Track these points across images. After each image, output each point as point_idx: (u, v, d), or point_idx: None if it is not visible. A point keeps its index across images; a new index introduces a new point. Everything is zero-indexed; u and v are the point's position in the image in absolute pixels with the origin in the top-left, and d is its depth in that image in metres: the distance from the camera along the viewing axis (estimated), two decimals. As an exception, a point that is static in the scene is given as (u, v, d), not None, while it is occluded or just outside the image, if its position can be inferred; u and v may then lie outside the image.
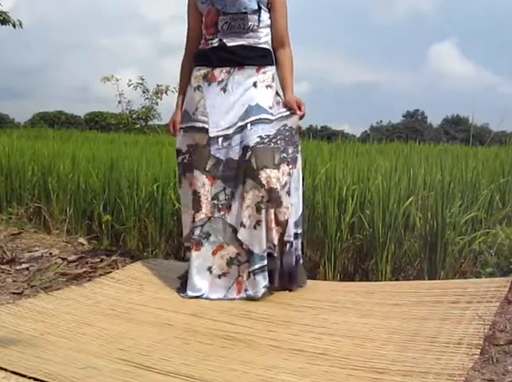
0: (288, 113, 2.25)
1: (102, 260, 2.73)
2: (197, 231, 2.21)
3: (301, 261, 2.32)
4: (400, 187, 2.73)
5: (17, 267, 2.61)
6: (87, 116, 31.31)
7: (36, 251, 2.90)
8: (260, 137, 2.15)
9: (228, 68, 2.23)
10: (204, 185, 2.21)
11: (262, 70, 2.26)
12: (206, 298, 2.16)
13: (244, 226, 2.14)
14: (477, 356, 1.51)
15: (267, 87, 2.26)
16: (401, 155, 4.33)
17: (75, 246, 3.07)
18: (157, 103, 11.72)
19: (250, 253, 2.15)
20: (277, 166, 2.14)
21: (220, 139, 2.20)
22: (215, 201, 2.21)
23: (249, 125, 2.17)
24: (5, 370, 1.45)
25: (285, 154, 2.18)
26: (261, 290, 2.12)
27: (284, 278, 2.23)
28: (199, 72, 2.28)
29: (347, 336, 1.72)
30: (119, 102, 11.52)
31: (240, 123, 2.18)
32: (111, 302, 2.11)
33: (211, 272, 2.20)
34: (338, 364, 1.52)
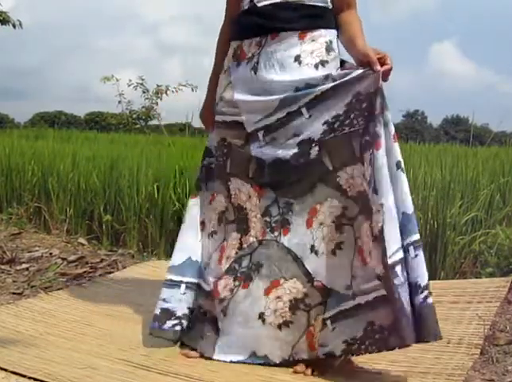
0: (359, 72, 1.47)
1: (102, 260, 2.73)
2: (246, 261, 1.56)
3: (426, 292, 1.36)
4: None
5: (17, 267, 2.61)
6: (87, 116, 31.32)
7: (36, 251, 2.90)
8: (326, 123, 1.48)
9: (258, 39, 1.56)
10: (251, 198, 1.58)
11: (310, 36, 1.54)
12: (262, 363, 1.50)
13: (316, 252, 1.49)
14: (477, 356, 1.51)
15: (320, 64, 1.53)
16: (401, 155, 4.32)
17: (75, 246, 3.07)
18: (157, 103, 11.71)
19: (325, 291, 1.48)
20: (359, 159, 1.46)
21: (261, 134, 1.55)
22: (267, 218, 1.55)
23: (304, 110, 1.50)
24: (5, 370, 1.45)
25: (367, 137, 1.45)
26: (341, 347, 1.42)
27: (400, 327, 1.33)
28: (231, 50, 1.65)
29: (347, 336, 1.71)
30: (119, 102, 11.50)
31: (287, 109, 1.51)
32: (111, 302, 2.10)
33: (263, 321, 1.51)
34: (338, 364, 1.51)
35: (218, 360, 1.54)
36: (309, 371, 1.46)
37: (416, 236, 1.40)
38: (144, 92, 11.67)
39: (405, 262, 1.36)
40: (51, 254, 2.83)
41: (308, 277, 1.48)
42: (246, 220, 1.58)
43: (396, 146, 1.46)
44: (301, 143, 1.50)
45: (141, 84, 11.57)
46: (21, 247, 3.01)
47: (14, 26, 12.46)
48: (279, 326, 1.49)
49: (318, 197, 1.50)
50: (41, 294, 2.20)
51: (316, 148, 1.49)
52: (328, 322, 1.45)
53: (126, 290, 2.28)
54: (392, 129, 1.45)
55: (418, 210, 2.66)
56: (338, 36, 1.60)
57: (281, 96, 1.51)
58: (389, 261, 1.34)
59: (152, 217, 3.14)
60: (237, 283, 1.55)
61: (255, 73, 1.55)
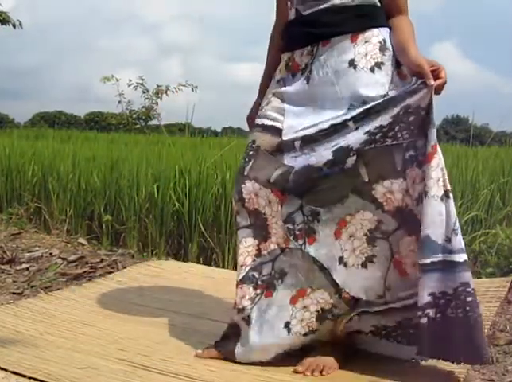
0: (412, 87, 1.40)
1: (102, 260, 2.73)
2: (267, 269, 1.50)
3: (476, 314, 1.33)
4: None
5: (17, 267, 2.61)
6: (87, 116, 31.33)
7: (36, 251, 2.90)
8: (368, 133, 1.41)
9: (309, 48, 1.50)
10: (271, 204, 1.50)
11: (362, 37, 1.47)
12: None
13: (345, 264, 1.43)
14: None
15: (375, 67, 1.45)
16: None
17: (75, 246, 3.07)
18: (156, 103, 11.72)
19: (353, 302, 1.44)
20: (401, 174, 1.40)
21: (298, 143, 1.47)
22: (290, 225, 1.48)
23: (351, 123, 1.43)
24: (5, 370, 1.44)
25: (412, 152, 1.41)
26: (370, 328, 1.48)
27: (440, 343, 1.35)
28: (282, 62, 1.59)
29: (347, 336, 1.71)
30: (119, 102, 11.51)
31: (332, 121, 1.44)
32: (111, 302, 2.10)
33: (289, 330, 1.47)
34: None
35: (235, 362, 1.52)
36: (309, 371, 1.45)
37: (461, 255, 1.43)
38: (144, 92, 11.68)
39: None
40: (51, 254, 2.83)
41: (336, 288, 1.43)
42: (265, 226, 1.50)
43: (438, 167, 1.38)
44: (338, 151, 1.42)
45: (141, 84, 11.58)
46: (21, 247, 3.01)
47: (14, 26, 12.47)
48: (305, 335, 1.46)
49: (349, 209, 1.43)
50: (41, 294, 2.20)
51: (354, 157, 1.41)
52: (355, 317, 1.46)
53: (126, 290, 2.28)
54: (435, 148, 1.39)
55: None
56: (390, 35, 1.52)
57: (332, 109, 1.45)
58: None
59: (152, 217, 3.15)
60: (258, 292, 1.50)
61: (307, 83, 1.50)
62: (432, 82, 1.38)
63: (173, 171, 3.31)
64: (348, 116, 1.43)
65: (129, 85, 11.46)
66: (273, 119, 1.53)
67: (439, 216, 1.35)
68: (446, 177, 1.37)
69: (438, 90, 1.42)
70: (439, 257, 1.36)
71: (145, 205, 3.20)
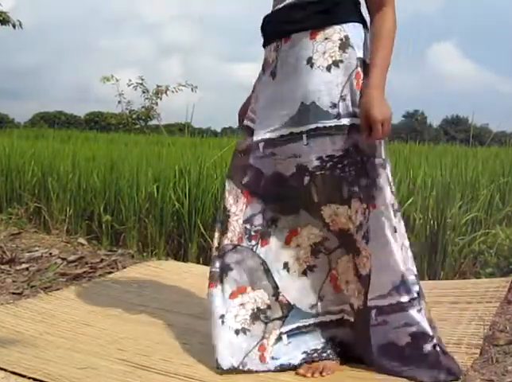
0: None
1: (102, 260, 2.73)
2: (217, 263, 1.54)
3: (429, 347, 1.39)
4: (400, 187, 2.73)
5: (17, 267, 2.61)
6: (87, 116, 31.34)
7: (36, 251, 2.90)
8: (320, 159, 1.45)
9: (275, 44, 1.52)
10: (238, 203, 1.55)
11: (322, 34, 1.44)
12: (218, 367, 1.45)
13: (288, 270, 1.52)
14: (476, 356, 1.51)
15: (333, 65, 1.43)
16: (401, 155, 4.33)
17: (75, 246, 3.07)
18: (156, 103, 11.72)
19: (287, 307, 1.51)
20: (346, 202, 1.47)
21: (261, 145, 1.52)
22: (248, 225, 1.54)
23: (304, 137, 1.45)
24: (5, 370, 1.44)
25: (355, 188, 1.45)
26: (300, 357, 1.49)
27: (363, 345, 1.47)
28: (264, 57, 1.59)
29: (347, 336, 1.71)
30: (119, 102, 11.51)
31: (292, 129, 1.47)
32: (111, 302, 2.10)
33: (223, 323, 1.49)
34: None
35: None
36: (310, 373, 1.45)
37: (412, 295, 1.41)
38: (144, 92, 11.68)
39: (400, 314, 1.40)
40: (51, 254, 2.83)
41: (275, 290, 1.51)
42: (226, 222, 1.55)
43: (387, 211, 1.43)
44: (299, 167, 1.48)
45: (141, 84, 11.58)
46: (21, 247, 3.01)
47: (14, 26, 12.47)
48: (236, 332, 1.49)
49: (301, 221, 1.53)
50: (41, 294, 2.20)
51: (308, 177, 1.48)
52: (284, 336, 1.51)
53: (126, 290, 2.28)
54: (386, 194, 1.43)
55: (418, 210, 2.67)
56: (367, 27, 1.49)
57: (291, 113, 1.48)
58: (372, 303, 1.43)
59: (152, 217, 3.14)
60: (207, 283, 1.56)
61: (273, 79, 1.52)
62: (370, 136, 1.40)
63: (173, 171, 3.31)
64: (304, 129, 1.46)
65: (129, 85, 11.46)
66: (251, 120, 1.57)
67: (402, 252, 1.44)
68: (393, 217, 1.43)
69: (375, 139, 1.42)
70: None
71: (145, 205, 3.19)
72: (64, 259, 2.73)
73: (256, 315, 1.50)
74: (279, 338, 1.50)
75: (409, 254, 1.46)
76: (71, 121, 29.86)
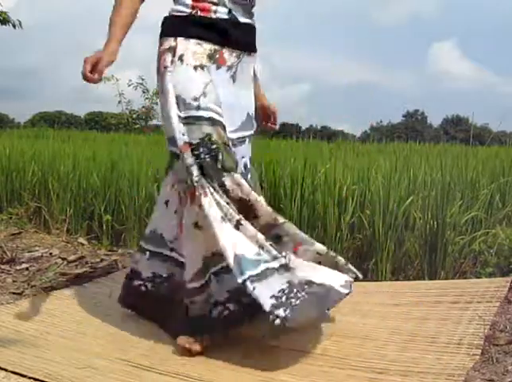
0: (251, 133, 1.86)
1: (102, 260, 2.73)
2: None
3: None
4: (400, 187, 2.73)
5: (17, 267, 2.61)
6: (87, 116, 31.37)
7: (36, 251, 2.90)
8: (250, 159, 1.87)
9: (238, 52, 1.74)
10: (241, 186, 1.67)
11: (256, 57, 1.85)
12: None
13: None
14: (478, 357, 1.51)
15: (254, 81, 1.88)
16: (401, 155, 4.33)
17: (75, 246, 3.07)
18: (156, 103, 11.71)
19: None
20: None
21: (230, 143, 1.70)
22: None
23: (247, 140, 1.84)
24: (5, 370, 1.45)
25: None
26: (270, 302, 1.52)
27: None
28: (200, 48, 1.66)
29: (347, 336, 1.72)
30: (119, 102, 11.52)
31: (243, 133, 1.80)
32: (111, 302, 2.10)
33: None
34: (338, 365, 1.52)
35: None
36: (197, 346, 1.57)
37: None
38: (144, 92, 11.69)
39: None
40: (51, 254, 2.83)
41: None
42: (253, 207, 1.67)
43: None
44: (245, 166, 1.81)
45: (141, 84, 11.59)
46: (21, 247, 3.01)
47: (14, 26, 12.44)
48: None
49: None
50: (41, 294, 2.20)
51: (249, 174, 1.83)
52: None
53: (126, 290, 2.28)
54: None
55: (418, 210, 2.67)
56: None
57: (242, 118, 1.78)
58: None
59: (152, 217, 3.14)
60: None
61: (233, 82, 1.74)
62: (271, 126, 2.02)
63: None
64: (247, 134, 1.81)
65: (129, 85, 11.47)
66: (217, 113, 1.64)
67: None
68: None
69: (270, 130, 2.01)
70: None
71: (145, 205, 3.19)
72: (64, 258, 2.73)
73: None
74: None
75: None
76: (72, 121, 29.87)
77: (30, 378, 1.41)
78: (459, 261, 2.52)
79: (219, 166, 1.61)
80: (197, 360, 1.55)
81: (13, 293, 2.25)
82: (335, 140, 7.57)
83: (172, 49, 1.65)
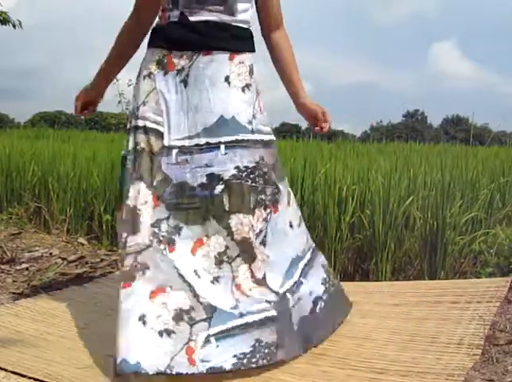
0: (268, 137, 1.66)
1: (102, 260, 2.73)
2: (130, 260, 1.47)
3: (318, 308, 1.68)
4: (400, 187, 2.73)
5: (17, 267, 2.62)
6: (87, 116, 31.30)
7: (36, 251, 2.90)
8: (238, 168, 1.56)
9: (190, 53, 1.59)
10: (147, 203, 1.53)
11: (238, 58, 1.62)
12: (136, 372, 1.34)
13: (199, 277, 1.51)
14: (478, 357, 1.51)
15: (245, 87, 1.63)
16: (401, 155, 4.34)
17: (75, 246, 3.07)
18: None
19: (210, 308, 1.47)
20: (251, 211, 1.57)
21: (174, 152, 1.56)
22: (156, 230, 1.52)
23: (222, 147, 1.56)
24: (5, 370, 1.45)
25: (263, 196, 1.60)
26: (231, 361, 1.42)
27: (283, 343, 1.52)
28: (151, 56, 1.63)
29: (347, 336, 1.72)
30: (119, 102, 11.49)
31: (208, 140, 1.56)
32: (111, 302, 2.10)
33: (144, 323, 1.40)
34: (337, 365, 1.52)
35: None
36: None
37: (296, 278, 1.65)
38: (144, 92, 11.66)
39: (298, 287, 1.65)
40: (51, 254, 2.84)
41: (194, 292, 1.48)
42: (137, 221, 1.50)
43: (290, 209, 1.72)
44: (211, 176, 1.55)
45: (141, 84, 11.56)
46: (21, 247, 3.01)
47: (14, 26, 12.43)
48: (160, 333, 1.40)
49: (207, 231, 1.54)
50: (41, 294, 2.20)
51: (222, 186, 1.54)
52: (213, 339, 1.44)
53: (126, 290, 2.28)
54: (286, 197, 1.70)
55: (418, 210, 2.67)
56: (272, 60, 1.76)
57: (207, 122, 1.57)
58: (281, 290, 1.59)
59: (152, 217, 3.14)
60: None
61: (185, 86, 1.59)
62: (326, 129, 1.73)
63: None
64: (222, 139, 1.57)
65: (129, 85, 11.35)
66: (154, 122, 1.58)
67: (301, 238, 1.76)
68: (297, 209, 1.80)
69: (326, 131, 1.73)
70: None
71: (145, 205, 3.19)
72: (64, 258, 2.73)
73: (179, 316, 1.44)
74: (207, 341, 1.43)
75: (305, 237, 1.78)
76: (71, 121, 29.84)
77: (30, 378, 1.41)
78: (459, 261, 2.52)
79: (133, 174, 1.56)
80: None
81: (13, 293, 2.25)
82: (335, 140, 7.58)
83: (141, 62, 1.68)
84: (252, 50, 1.67)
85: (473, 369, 1.45)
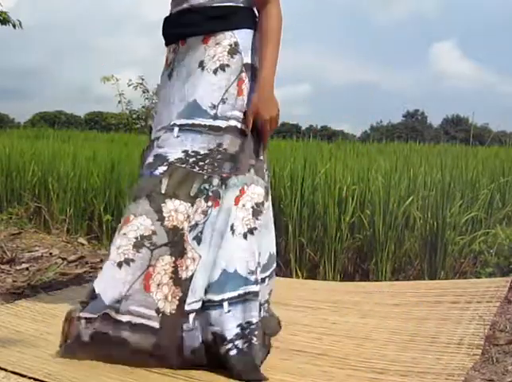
0: (234, 123, 1.51)
1: (102, 260, 2.72)
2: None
3: (230, 345, 1.41)
4: (400, 187, 2.73)
5: (17, 267, 2.61)
6: (87, 116, 31.38)
7: (36, 251, 2.90)
8: (185, 153, 1.49)
9: (174, 45, 1.59)
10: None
11: (213, 40, 1.52)
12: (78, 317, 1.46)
13: (108, 257, 1.46)
14: (478, 357, 1.51)
15: (219, 69, 1.50)
16: (401, 155, 4.34)
17: (75, 246, 3.07)
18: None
19: (94, 298, 1.45)
20: (190, 199, 1.47)
21: (156, 143, 1.56)
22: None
23: (176, 129, 1.50)
24: (5, 370, 1.44)
25: (206, 185, 1.49)
26: None
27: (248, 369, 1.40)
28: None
29: (347, 336, 1.72)
30: (119, 102, 11.51)
31: (181, 121, 1.51)
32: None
33: (108, 258, 1.51)
34: (337, 365, 1.52)
35: None
36: None
37: (235, 294, 1.44)
38: (144, 92, 11.67)
39: (207, 313, 1.43)
40: (51, 254, 2.83)
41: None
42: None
43: (234, 210, 1.49)
44: (157, 156, 1.51)
45: (141, 84, 11.57)
46: (21, 247, 3.01)
47: (14, 26, 12.42)
48: (119, 264, 1.43)
49: (138, 210, 1.46)
50: (41, 294, 2.20)
51: (164, 168, 1.48)
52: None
53: (126, 290, 2.28)
54: (236, 193, 1.50)
55: (418, 210, 2.67)
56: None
57: (177, 111, 1.52)
58: (189, 307, 1.42)
59: (152, 217, 3.14)
60: None
61: (169, 80, 1.59)
62: (246, 131, 1.52)
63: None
64: (178, 122, 1.50)
65: (129, 85, 11.45)
66: (152, 118, 1.64)
67: (242, 252, 1.48)
68: (251, 216, 1.50)
69: (264, 136, 1.56)
70: (242, 289, 1.45)
71: (145, 205, 3.19)
72: (64, 258, 2.73)
73: (140, 243, 1.42)
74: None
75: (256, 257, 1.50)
76: (72, 121, 29.89)
77: (30, 378, 1.40)
78: (459, 261, 2.52)
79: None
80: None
81: (14, 293, 2.24)
82: (335, 140, 7.59)
83: None
84: (236, 27, 1.53)
85: (473, 369, 1.45)
